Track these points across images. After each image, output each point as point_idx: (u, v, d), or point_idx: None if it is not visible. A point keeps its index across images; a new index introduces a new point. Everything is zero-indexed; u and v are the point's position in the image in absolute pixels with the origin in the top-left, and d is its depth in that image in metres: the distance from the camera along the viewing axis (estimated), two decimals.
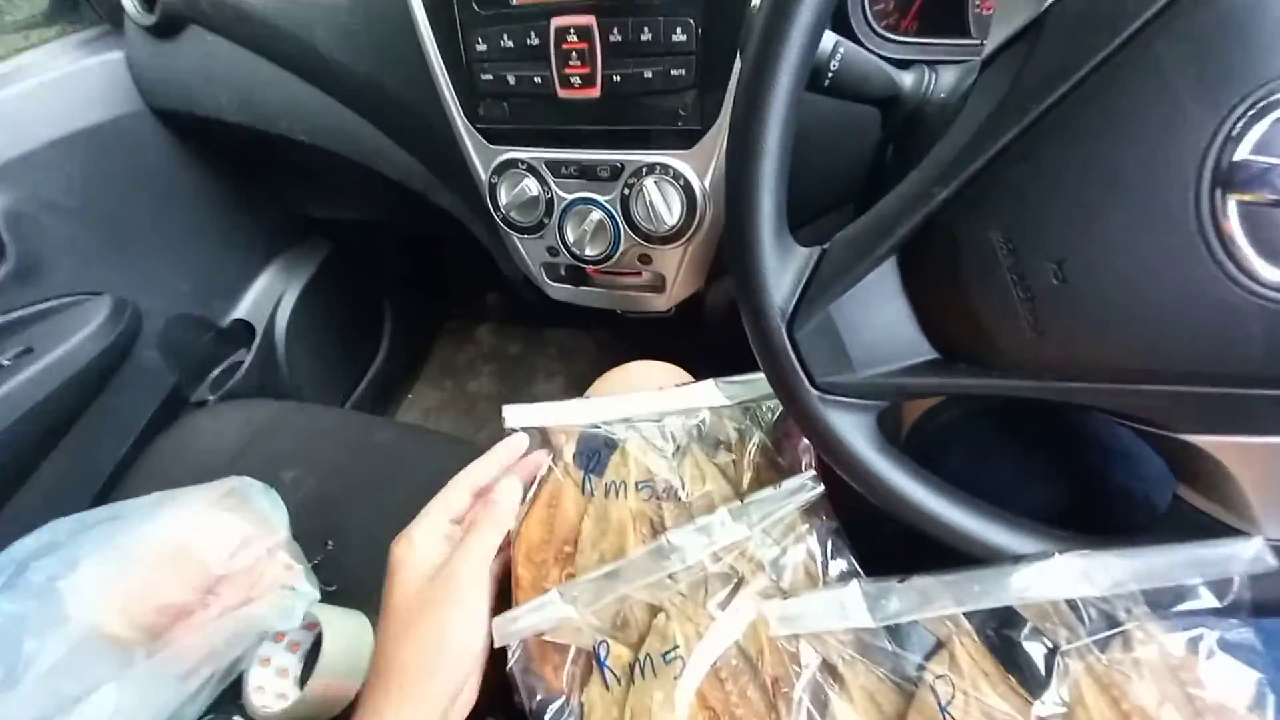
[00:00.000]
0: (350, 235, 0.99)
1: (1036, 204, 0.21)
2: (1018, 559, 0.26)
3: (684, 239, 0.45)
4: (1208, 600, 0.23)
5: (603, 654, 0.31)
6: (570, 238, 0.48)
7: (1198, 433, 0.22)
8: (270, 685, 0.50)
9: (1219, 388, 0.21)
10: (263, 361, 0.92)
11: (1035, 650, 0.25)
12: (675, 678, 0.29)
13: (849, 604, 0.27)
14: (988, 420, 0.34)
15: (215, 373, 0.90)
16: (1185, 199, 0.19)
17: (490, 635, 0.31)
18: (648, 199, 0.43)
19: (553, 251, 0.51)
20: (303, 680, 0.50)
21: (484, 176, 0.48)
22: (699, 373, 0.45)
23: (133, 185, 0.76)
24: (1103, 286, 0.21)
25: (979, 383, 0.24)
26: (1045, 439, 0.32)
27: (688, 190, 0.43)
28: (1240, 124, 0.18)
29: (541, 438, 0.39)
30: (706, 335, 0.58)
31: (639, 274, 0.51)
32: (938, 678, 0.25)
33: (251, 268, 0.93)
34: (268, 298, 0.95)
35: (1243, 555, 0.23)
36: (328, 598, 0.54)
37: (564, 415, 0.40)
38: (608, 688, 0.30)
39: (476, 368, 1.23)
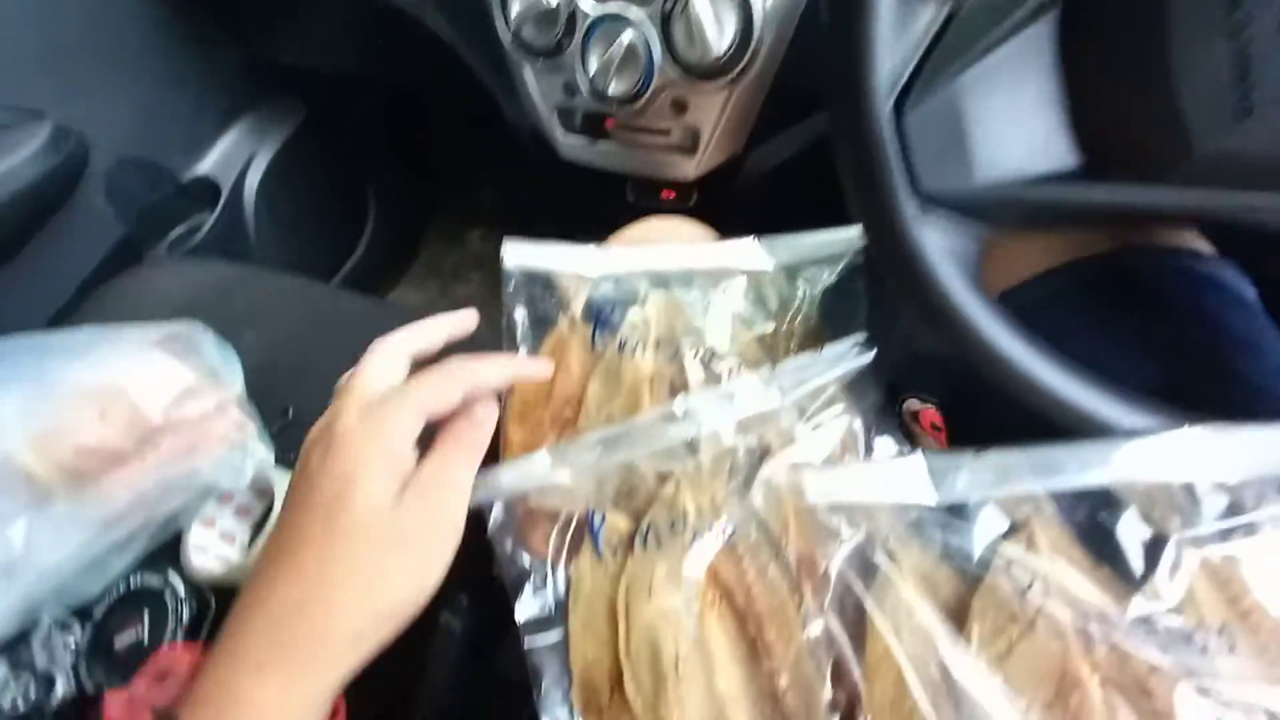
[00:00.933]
0: (325, 95, 0.88)
1: None
2: (1125, 435, 0.21)
3: (732, 74, 0.38)
4: None
5: (596, 522, 0.26)
6: (593, 66, 0.40)
7: None
8: (213, 548, 0.45)
9: None
10: (227, 227, 0.84)
11: (1134, 539, 0.21)
12: (683, 550, 0.25)
13: (908, 476, 0.22)
14: (1092, 298, 0.29)
15: (174, 234, 0.82)
16: None
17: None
18: (694, 15, 0.36)
19: (570, 89, 0.43)
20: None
21: None
22: None
23: None
24: None
25: (1144, 194, 0.19)
26: (1162, 324, 0.27)
27: (744, 8, 0.36)
28: None
29: (546, 285, 0.33)
30: (734, 222, 0.51)
31: (667, 132, 0.44)
32: (1012, 562, 0.21)
33: (216, 119, 0.83)
34: (235, 157, 0.86)
35: None
36: (289, 468, 0.49)
37: (576, 261, 0.33)
38: (600, 559, 0.26)
39: (465, 273, 1.16)
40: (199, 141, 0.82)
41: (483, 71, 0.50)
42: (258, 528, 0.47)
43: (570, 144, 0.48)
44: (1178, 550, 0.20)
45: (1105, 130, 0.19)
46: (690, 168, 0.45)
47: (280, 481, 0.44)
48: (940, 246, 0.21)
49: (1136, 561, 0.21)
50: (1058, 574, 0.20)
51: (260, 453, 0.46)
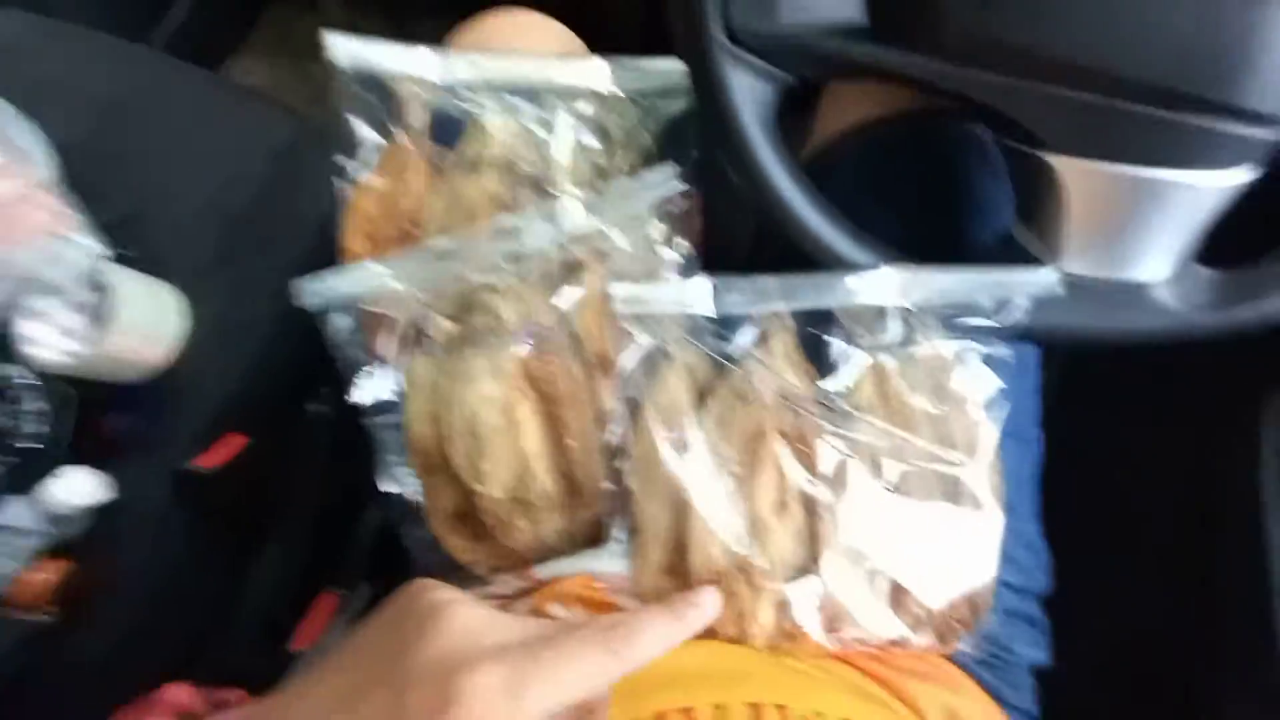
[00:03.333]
0: None
1: None
2: (851, 269, 0.28)
3: None
4: (995, 318, 0.27)
5: (428, 327, 0.31)
6: None
7: (1064, 152, 0.24)
8: (51, 341, 0.45)
9: (1114, 98, 0.21)
10: None
11: (838, 346, 0.29)
12: (500, 350, 0.30)
13: (695, 293, 0.29)
14: (873, 157, 0.34)
15: None
16: None
17: None
18: None
19: None
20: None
21: None
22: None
23: None
24: None
25: (902, 58, 0.23)
26: (918, 183, 0.34)
27: None
28: None
29: (381, 90, 0.33)
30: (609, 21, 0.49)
31: None
32: (750, 358, 0.28)
33: None
34: None
35: (1034, 280, 0.26)
36: (128, 265, 0.48)
37: (410, 63, 0.33)
38: (432, 357, 0.31)
39: (319, 48, 1.00)
40: None
41: None
42: (99, 319, 0.47)
43: None
44: (858, 355, 0.28)
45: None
46: None
47: (116, 273, 0.44)
48: (743, 83, 0.25)
49: (836, 361, 0.29)
50: (776, 365, 0.28)
51: (87, 244, 0.45)
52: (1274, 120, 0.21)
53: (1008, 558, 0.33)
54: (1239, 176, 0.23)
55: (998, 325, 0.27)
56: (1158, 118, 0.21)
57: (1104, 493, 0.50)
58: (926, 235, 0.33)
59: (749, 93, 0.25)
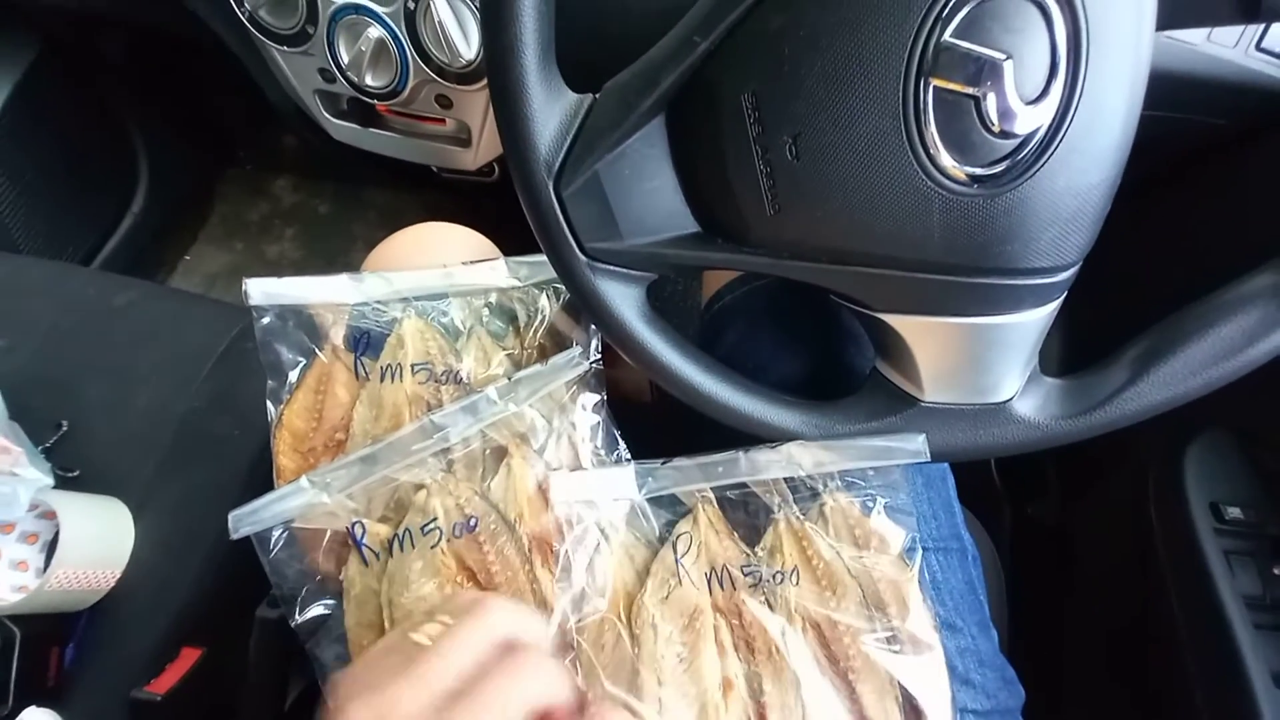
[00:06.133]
0: (63, 29, 0.75)
1: (784, 67, 0.21)
2: (748, 447, 0.30)
3: (485, 81, 0.40)
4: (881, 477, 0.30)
5: (359, 534, 0.32)
6: (344, 58, 0.40)
7: (891, 313, 0.26)
8: (5, 579, 0.45)
9: (908, 272, 0.24)
10: None
11: (756, 513, 0.30)
12: (433, 546, 0.31)
13: (623, 480, 0.31)
14: (760, 302, 0.38)
15: None
16: (896, 80, 0.21)
17: None
18: (437, 20, 0.37)
19: (326, 76, 0.43)
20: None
21: None
22: (527, 247, 0.42)
23: None
24: (826, 166, 0.22)
25: (730, 258, 0.26)
26: (800, 321, 0.37)
27: None
28: (950, 5, 0.20)
29: (298, 318, 0.36)
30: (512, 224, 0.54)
31: (441, 121, 0.46)
32: (680, 535, 0.30)
33: None
34: None
35: (906, 449, 0.28)
36: (72, 485, 0.48)
37: (326, 292, 0.36)
38: (366, 564, 0.31)
39: (275, 228, 1.06)
40: None
41: (231, 41, 0.47)
42: (51, 549, 0.47)
43: (341, 126, 0.48)
44: (773, 519, 0.30)
45: (706, 208, 0.26)
46: (468, 159, 0.47)
47: (61, 501, 0.44)
48: (611, 290, 0.27)
49: (759, 527, 0.30)
50: (704, 539, 0.30)
51: (34, 477, 0.45)
52: (1052, 270, 0.24)
53: (965, 682, 0.33)
54: (1046, 309, 0.26)
55: (884, 483, 0.30)
56: (957, 283, 0.24)
57: (1052, 567, 0.51)
58: (816, 365, 0.36)
59: (618, 294, 0.27)
